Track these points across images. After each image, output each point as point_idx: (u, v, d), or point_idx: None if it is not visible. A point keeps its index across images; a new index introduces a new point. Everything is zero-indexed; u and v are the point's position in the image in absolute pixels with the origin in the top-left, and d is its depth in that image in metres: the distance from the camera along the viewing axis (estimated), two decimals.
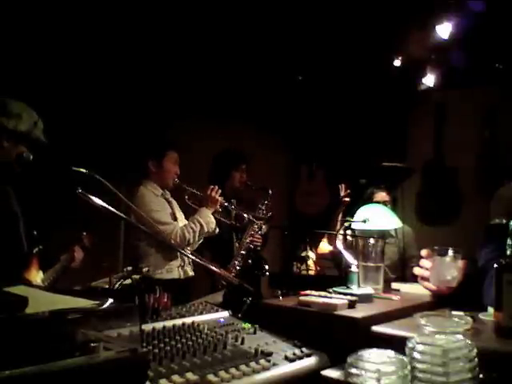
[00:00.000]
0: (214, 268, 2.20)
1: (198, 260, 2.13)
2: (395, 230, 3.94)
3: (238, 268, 3.54)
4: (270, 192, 3.75)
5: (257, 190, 3.83)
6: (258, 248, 3.68)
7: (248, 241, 3.61)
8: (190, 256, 2.72)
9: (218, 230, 3.35)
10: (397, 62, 4.82)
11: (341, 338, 1.44)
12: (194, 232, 3.18)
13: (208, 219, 3.24)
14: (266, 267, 3.72)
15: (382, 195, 4.04)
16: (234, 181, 3.75)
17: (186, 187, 3.39)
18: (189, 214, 3.41)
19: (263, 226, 3.59)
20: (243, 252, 3.59)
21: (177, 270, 3.23)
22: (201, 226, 3.20)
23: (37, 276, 2.58)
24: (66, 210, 3.19)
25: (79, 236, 3.00)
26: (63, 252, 2.94)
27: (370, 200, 4.02)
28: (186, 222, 3.38)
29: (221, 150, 3.89)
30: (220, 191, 3.33)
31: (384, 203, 4.01)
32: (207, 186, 3.35)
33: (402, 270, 4.01)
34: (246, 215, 3.53)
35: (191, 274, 3.31)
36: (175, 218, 3.33)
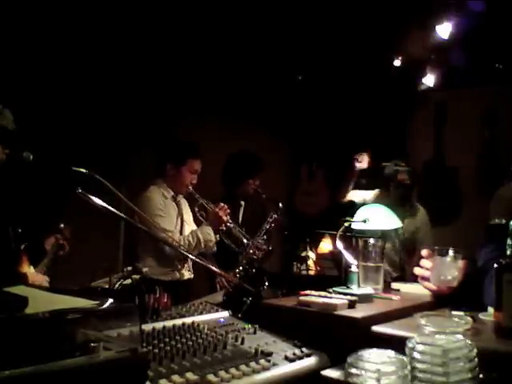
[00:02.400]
0: (214, 269, 2.20)
1: (198, 260, 2.14)
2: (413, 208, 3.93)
3: (238, 276, 3.49)
4: (281, 206, 3.73)
5: (267, 200, 3.81)
6: (260, 259, 3.62)
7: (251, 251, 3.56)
8: (191, 256, 2.72)
9: (215, 248, 3.31)
10: (397, 62, 4.82)
11: (341, 338, 1.44)
12: (189, 245, 3.12)
13: (208, 237, 3.19)
14: (266, 282, 3.66)
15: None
16: (247, 187, 3.78)
17: (197, 198, 3.35)
18: (197, 218, 3.44)
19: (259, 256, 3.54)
20: (245, 261, 3.54)
21: (172, 272, 3.20)
22: (198, 241, 3.15)
23: (28, 271, 2.59)
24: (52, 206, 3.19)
25: (58, 228, 2.96)
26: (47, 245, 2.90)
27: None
28: (194, 224, 3.39)
29: (237, 150, 3.88)
30: (228, 211, 3.29)
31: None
32: (217, 203, 3.32)
33: (414, 250, 3.95)
34: (245, 240, 3.50)
35: (188, 276, 3.29)
36: (182, 221, 3.30)
